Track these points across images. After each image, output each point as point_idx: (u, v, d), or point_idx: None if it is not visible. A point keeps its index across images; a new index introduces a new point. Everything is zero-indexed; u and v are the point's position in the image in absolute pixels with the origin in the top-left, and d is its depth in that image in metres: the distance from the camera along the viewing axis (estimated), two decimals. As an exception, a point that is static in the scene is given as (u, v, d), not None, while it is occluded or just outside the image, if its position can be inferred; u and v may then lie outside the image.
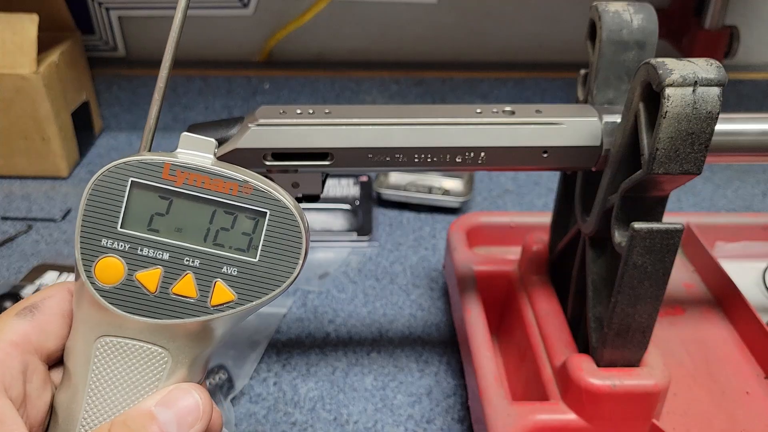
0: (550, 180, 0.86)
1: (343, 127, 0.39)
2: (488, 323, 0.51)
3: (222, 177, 0.28)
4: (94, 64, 0.91)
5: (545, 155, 0.40)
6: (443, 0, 0.93)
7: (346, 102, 0.96)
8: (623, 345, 0.41)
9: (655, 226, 0.37)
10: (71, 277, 0.64)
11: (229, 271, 0.28)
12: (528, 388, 0.48)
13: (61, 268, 0.66)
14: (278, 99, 0.95)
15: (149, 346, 0.28)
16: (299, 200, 0.43)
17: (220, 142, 0.40)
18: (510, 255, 0.60)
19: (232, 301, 0.28)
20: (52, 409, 0.29)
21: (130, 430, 0.25)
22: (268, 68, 0.94)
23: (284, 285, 0.28)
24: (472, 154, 0.40)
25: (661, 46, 0.86)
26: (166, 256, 0.27)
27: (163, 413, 0.26)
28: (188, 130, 0.40)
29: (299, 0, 0.91)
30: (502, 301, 0.57)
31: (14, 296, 0.59)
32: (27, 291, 0.61)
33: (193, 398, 0.27)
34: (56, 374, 0.30)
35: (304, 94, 0.95)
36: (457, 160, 0.40)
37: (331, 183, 0.81)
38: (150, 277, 0.27)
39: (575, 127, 0.40)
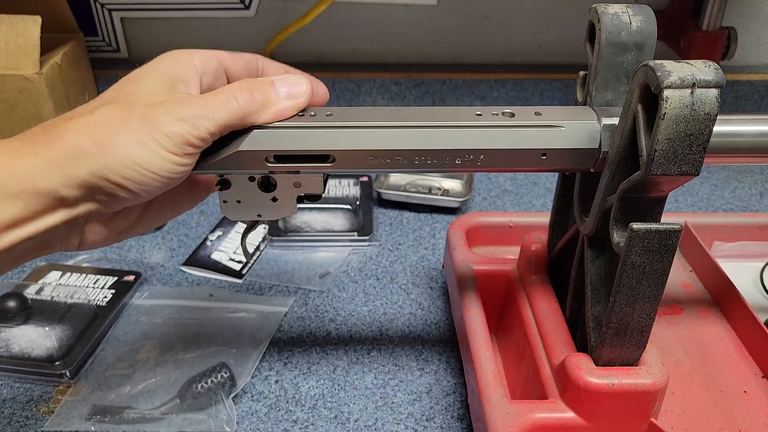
0: (549, 180, 0.87)
1: (344, 129, 0.40)
2: (487, 322, 0.51)
3: None
4: (96, 65, 0.91)
5: (544, 157, 0.40)
6: (443, 2, 0.93)
7: (346, 103, 0.96)
8: (622, 344, 0.42)
9: (653, 226, 0.37)
10: (74, 276, 0.65)
11: None
12: (527, 386, 0.49)
13: (64, 268, 0.66)
14: (279, 100, 0.95)
15: None
16: (301, 199, 0.44)
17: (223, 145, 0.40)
18: (509, 255, 0.61)
19: None
20: None
21: (257, 84, 0.38)
22: (269, 69, 0.95)
23: None
24: (471, 156, 0.40)
25: (660, 47, 0.87)
26: None
27: (281, 83, 0.39)
28: None
29: (300, 2, 0.91)
30: (501, 301, 0.57)
31: (18, 296, 0.59)
32: (30, 290, 0.61)
33: (304, 81, 0.40)
34: None
35: (304, 95, 0.95)
36: (457, 162, 0.40)
37: (331, 183, 0.81)
38: None
39: (574, 129, 0.40)
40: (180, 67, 0.38)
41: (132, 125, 0.34)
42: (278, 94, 0.39)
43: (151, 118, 0.34)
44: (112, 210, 0.37)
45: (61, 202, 0.34)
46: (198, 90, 0.39)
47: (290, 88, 0.39)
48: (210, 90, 0.39)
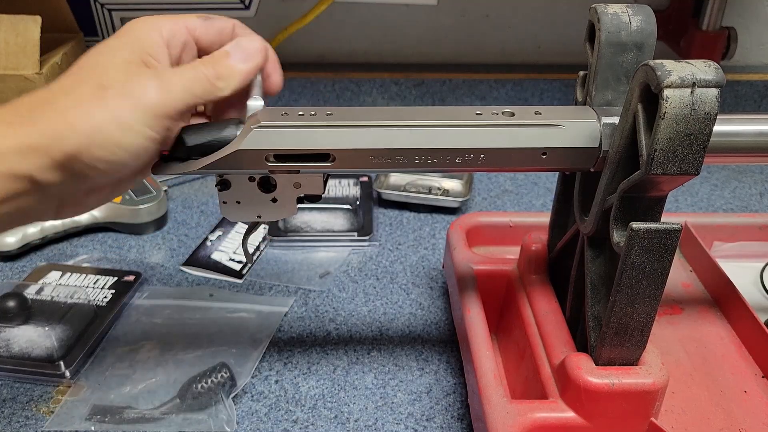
0: (549, 180, 0.87)
1: (345, 128, 0.40)
2: (487, 322, 0.51)
3: None
4: (95, 65, 0.91)
5: (544, 156, 0.40)
6: (443, 2, 0.93)
7: (346, 103, 0.96)
8: (622, 344, 0.42)
9: (653, 226, 0.37)
10: (74, 276, 0.65)
11: None
12: (527, 386, 0.49)
13: (64, 268, 0.66)
14: (279, 100, 0.95)
15: None
16: (301, 200, 0.44)
17: (216, 145, 0.40)
18: (509, 255, 0.61)
19: None
20: None
21: (213, 60, 0.39)
22: (269, 69, 0.95)
23: None
24: (471, 155, 0.40)
25: (660, 47, 0.87)
26: None
27: (234, 50, 0.39)
28: (181, 133, 0.40)
29: (301, 2, 0.91)
30: (501, 301, 0.57)
31: (18, 296, 0.59)
32: (30, 290, 0.61)
33: (258, 42, 0.40)
34: None
35: (305, 95, 0.96)
36: (457, 161, 0.40)
37: (331, 183, 0.81)
38: None
39: (574, 128, 0.40)
40: (147, 37, 0.38)
41: (106, 102, 0.35)
42: (235, 61, 0.39)
43: (126, 92, 0.35)
44: (84, 188, 0.38)
45: (35, 185, 0.35)
46: (168, 64, 0.39)
47: (244, 52, 0.40)
48: (179, 63, 0.40)
